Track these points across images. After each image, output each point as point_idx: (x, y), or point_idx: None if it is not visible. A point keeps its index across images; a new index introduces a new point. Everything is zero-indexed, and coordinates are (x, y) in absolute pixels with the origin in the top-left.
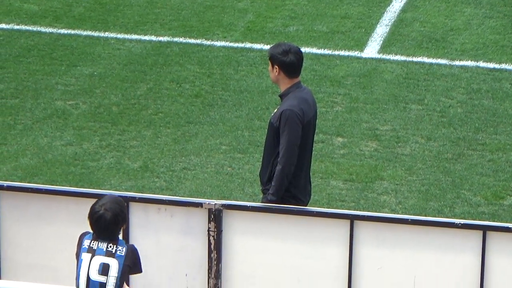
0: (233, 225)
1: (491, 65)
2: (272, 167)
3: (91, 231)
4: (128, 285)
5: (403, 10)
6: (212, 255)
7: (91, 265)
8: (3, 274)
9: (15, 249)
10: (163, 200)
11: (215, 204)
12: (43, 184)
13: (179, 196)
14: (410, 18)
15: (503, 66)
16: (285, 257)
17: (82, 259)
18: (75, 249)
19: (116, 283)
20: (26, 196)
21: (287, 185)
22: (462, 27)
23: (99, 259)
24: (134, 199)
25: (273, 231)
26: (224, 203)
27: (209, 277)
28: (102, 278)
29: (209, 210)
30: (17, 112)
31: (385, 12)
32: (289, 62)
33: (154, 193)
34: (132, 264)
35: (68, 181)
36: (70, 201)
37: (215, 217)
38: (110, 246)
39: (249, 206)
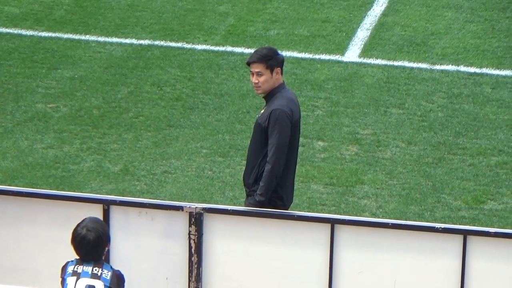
0: (214, 229)
1: (471, 69)
2: (259, 168)
3: (72, 258)
4: None
5: (384, 14)
6: (193, 258)
7: (77, 287)
8: None
9: None
10: (143, 203)
11: (196, 207)
12: (23, 187)
13: (160, 200)
14: (391, 22)
15: (484, 70)
16: (265, 260)
17: (67, 284)
18: (56, 252)
19: None
20: (7, 199)
21: (275, 185)
22: (443, 31)
23: (85, 281)
24: (114, 203)
25: (253, 235)
26: (205, 206)
27: (189, 281)
28: None
29: (190, 214)
30: None
31: (366, 16)
32: (283, 59)
33: (134, 197)
34: (116, 286)
35: (49, 184)
36: (50, 204)
37: (196, 220)
38: (96, 269)
39: (230, 209)
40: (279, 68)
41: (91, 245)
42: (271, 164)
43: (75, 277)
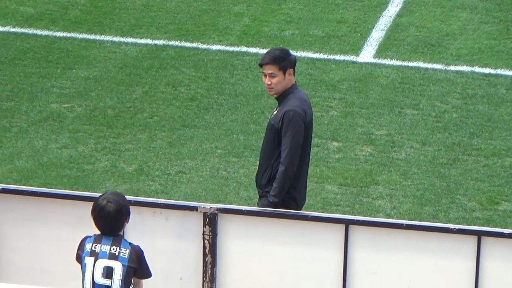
0: (228, 229)
1: (486, 70)
2: (272, 169)
3: (91, 234)
4: (138, 284)
5: (399, 15)
6: (207, 258)
7: (95, 269)
8: None
9: (10, 252)
10: (158, 203)
11: (210, 207)
12: (38, 187)
13: (174, 200)
14: (405, 23)
15: (499, 71)
16: (279, 261)
17: (86, 263)
18: (70, 252)
19: (120, 285)
20: (21, 199)
21: (288, 186)
22: (457, 32)
23: (103, 263)
24: (129, 203)
25: (268, 235)
26: (219, 206)
27: (203, 281)
28: (107, 281)
29: (204, 214)
30: (13, 115)
31: (381, 17)
32: (296, 59)
33: (149, 197)
34: (136, 265)
35: (63, 184)
36: (65, 204)
37: (210, 220)
38: (113, 249)
39: (244, 210)
40: (291, 69)
41: (111, 217)
42: (285, 165)
43: (93, 258)
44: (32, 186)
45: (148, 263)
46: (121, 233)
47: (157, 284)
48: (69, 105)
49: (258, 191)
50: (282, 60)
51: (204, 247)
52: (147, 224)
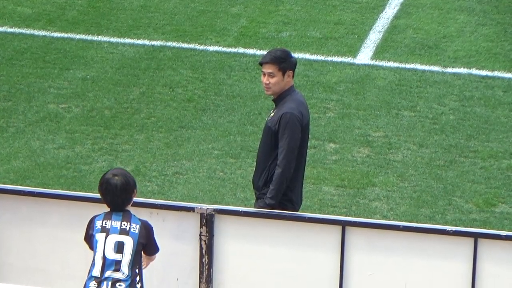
0: (225, 230)
1: (483, 72)
2: (269, 171)
3: (99, 213)
4: (145, 261)
5: (396, 17)
6: (204, 259)
7: (107, 244)
8: None
9: (7, 252)
10: (155, 204)
11: (207, 208)
12: (35, 187)
13: (171, 201)
14: (403, 25)
15: (496, 73)
16: (276, 262)
17: (97, 240)
18: (67, 252)
19: (130, 260)
20: (18, 199)
21: (285, 188)
22: (455, 34)
23: (114, 238)
24: None
25: (264, 236)
26: (216, 207)
27: (200, 282)
28: (117, 256)
29: (201, 215)
30: (10, 115)
31: (378, 19)
32: (296, 62)
33: (146, 197)
34: (145, 240)
35: (60, 184)
36: (62, 205)
37: (207, 221)
38: (124, 224)
39: (241, 211)
40: (291, 71)
41: (118, 190)
42: (282, 167)
43: (104, 234)
44: (29, 186)
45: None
46: (129, 208)
47: (154, 285)
48: (66, 105)
49: (255, 193)
50: (283, 61)
51: (201, 248)
52: None
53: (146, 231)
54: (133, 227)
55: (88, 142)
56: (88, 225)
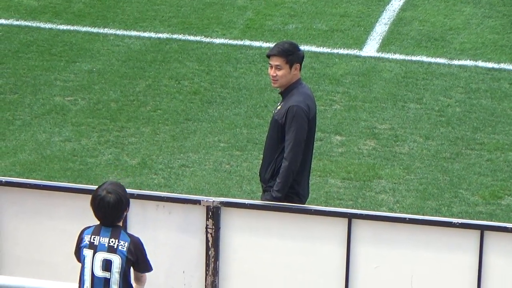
0: (231, 223)
1: (490, 64)
2: (275, 164)
3: (91, 225)
4: (138, 278)
5: (403, 9)
6: (210, 252)
7: (94, 262)
8: (1, 269)
9: (13, 245)
10: (161, 197)
11: (213, 201)
12: (41, 179)
13: (177, 193)
14: (409, 17)
15: (502, 65)
16: (282, 255)
17: (85, 256)
18: (73, 245)
19: (119, 278)
20: (24, 192)
21: (292, 181)
22: (461, 26)
23: (101, 255)
24: (132, 196)
25: (270, 229)
26: (222, 200)
27: (206, 274)
28: (106, 274)
29: (207, 208)
30: (16, 108)
31: (385, 11)
32: (304, 55)
33: (152, 190)
34: (135, 258)
35: (67, 177)
36: (68, 197)
37: (213, 214)
38: (112, 241)
39: (247, 203)
40: (298, 64)
41: (110, 207)
42: (288, 160)
43: (92, 250)
44: (35, 179)
45: (151, 256)
46: (120, 223)
47: (160, 278)
48: (72, 98)
49: (262, 186)
50: (290, 54)
51: (207, 241)
52: (150, 217)
53: (135, 248)
54: (121, 244)
55: (94, 135)
56: (78, 238)
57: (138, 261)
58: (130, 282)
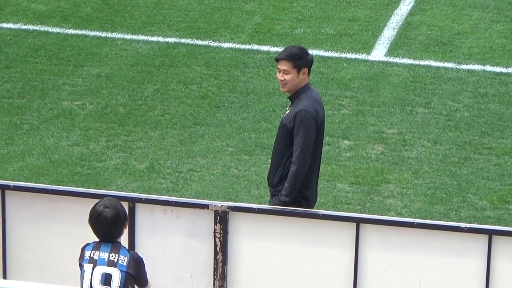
0: (239, 227)
1: (498, 69)
2: (284, 169)
3: (91, 241)
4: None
5: (411, 14)
6: (218, 256)
7: (94, 276)
8: (9, 273)
9: (21, 249)
10: (169, 201)
11: (221, 206)
12: (49, 184)
13: (185, 198)
14: (417, 22)
15: (510, 70)
16: (290, 259)
17: (84, 270)
18: (80, 250)
19: None
20: (32, 196)
21: (300, 185)
22: (469, 31)
23: (101, 269)
24: (140, 200)
25: (278, 234)
26: (230, 205)
27: (214, 279)
28: None
29: (215, 212)
30: (24, 112)
31: (393, 15)
32: (313, 59)
33: (160, 194)
34: (135, 273)
35: (74, 181)
36: (76, 202)
37: (221, 218)
38: (112, 256)
39: (255, 208)
40: (306, 69)
41: (109, 223)
42: (297, 165)
43: (91, 265)
44: (43, 183)
45: (159, 260)
46: (120, 240)
47: (168, 282)
48: (80, 102)
49: (270, 190)
50: (298, 58)
51: (215, 245)
52: (158, 222)
53: (135, 263)
54: (121, 259)
55: (102, 139)
56: (80, 252)
57: (138, 276)
58: None
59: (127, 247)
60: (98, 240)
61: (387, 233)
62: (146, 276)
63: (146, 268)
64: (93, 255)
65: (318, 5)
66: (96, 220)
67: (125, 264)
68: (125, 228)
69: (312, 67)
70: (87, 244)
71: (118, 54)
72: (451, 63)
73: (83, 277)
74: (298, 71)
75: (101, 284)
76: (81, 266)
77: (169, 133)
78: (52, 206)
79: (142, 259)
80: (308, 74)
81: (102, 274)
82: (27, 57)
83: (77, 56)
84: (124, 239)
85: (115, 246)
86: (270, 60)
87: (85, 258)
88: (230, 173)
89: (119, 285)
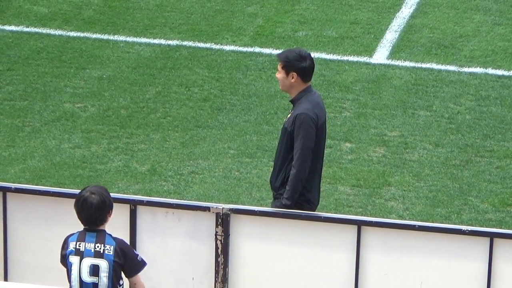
0: (241, 230)
1: (500, 72)
2: (286, 172)
3: (74, 232)
4: (137, 284)
5: (413, 16)
6: (219, 259)
7: (82, 268)
8: (10, 275)
9: (22, 251)
10: (170, 204)
11: (223, 208)
12: (50, 186)
13: (187, 200)
14: (419, 24)
15: None
16: (292, 261)
17: (71, 262)
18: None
19: (108, 282)
20: (34, 198)
21: (301, 189)
22: (471, 33)
23: (88, 261)
24: (141, 203)
25: (280, 236)
26: (232, 207)
27: (216, 281)
28: (94, 279)
29: (217, 214)
30: (26, 114)
31: (395, 18)
32: (307, 67)
33: (161, 197)
34: (123, 261)
35: (76, 183)
36: None
37: (223, 221)
38: (98, 246)
39: (257, 210)
40: (295, 73)
41: (93, 209)
42: (296, 168)
43: (78, 257)
44: (44, 185)
45: (161, 263)
46: (104, 227)
47: (170, 284)
48: (82, 105)
49: (273, 193)
50: (287, 61)
51: (217, 248)
52: (159, 224)
53: (122, 250)
54: (107, 249)
55: (104, 142)
56: (62, 245)
57: (127, 262)
58: (121, 284)
59: (113, 235)
60: (82, 229)
61: (389, 235)
62: (137, 261)
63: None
64: (79, 246)
65: (320, 7)
66: (82, 205)
67: (111, 253)
68: (110, 216)
69: (314, 70)
70: (71, 235)
71: (120, 56)
72: (453, 66)
73: (71, 270)
74: (286, 74)
75: (90, 276)
76: (65, 256)
77: (170, 135)
78: (54, 208)
79: (128, 245)
80: (303, 80)
81: (90, 266)
82: (29, 60)
83: (79, 58)
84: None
85: (100, 235)
86: (272, 62)
87: (70, 249)
88: (231, 176)
89: (107, 275)
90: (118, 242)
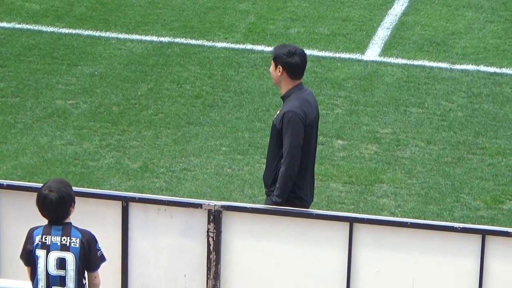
0: (233, 226)
1: (492, 69)
2: (276, 169)
3: (39, 225)
4: (92, 281)
5: (405, 13)
6: (211, 256)
7: (48, 261)
8: (2, 273)
9: (15, 248)
10: (162, 200)
11: (215, 205)
12: (42, 183)
13: (179, 197)
14: (411, 22)
15: (504, 70)
16: (284, 259)
17: (38, 256)
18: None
19: (74, 275)
20: (26, 195)
21: (292, 186)
22: (463, 31)
23: (55, 254)
24: (133, 200)
25: (272, 233)
26: (224, 204)
27: (208, 278)
28: (61, 272)
29: (209, 211)
30: (18, 111)
31: (387, 15)
32: (294, 63)
33: (153, 194)
34: (88, 252)
35: (68, 180)
36: None
37: (215, 218)
38: (64, 239)
39: (249, 207)
40: (281, 67)
41: (53, 206)
42: (285, 166)
43: (44, 250)
44: (36, 182)
45: (152, 260)
46: (69, 220)
47: (162, 281)
48: (74, 101)
49: (265, 190)
50: (276, 54)
51: (209, 245)
52: (151, 221)
53: (88, 243)
54: (73, 242)
55: (96, 138)
56: (26, 239)
57: (90, 255)
58: (84, 279)
59: (79, 227)
60: (46, 223)
61: (381, 233)
62: (97, 257)
63: (100, 247)
64: (45, 239)
65: (312, 5)
66: (42, 203)
67: (77, 246)
68: (73, 208)
69: (306, 67)
70: (34, 228)
71: (112, 53)
72: (445, 63)
73: (37, 263)
74: (275, 67)
75: (57, 269)
76: (29, 251)
77: (162, 132)
78: None
79: (94, 237)
80: (290, 76)
81: (57, 259)
82: (21, 56)
83: (71, 55)
84: (117, 238)
85: (66, 228)
86: (264, 59)
87: (36, 243)
88: (223, 173)
89: (74, 268)
90: (84, 234)
